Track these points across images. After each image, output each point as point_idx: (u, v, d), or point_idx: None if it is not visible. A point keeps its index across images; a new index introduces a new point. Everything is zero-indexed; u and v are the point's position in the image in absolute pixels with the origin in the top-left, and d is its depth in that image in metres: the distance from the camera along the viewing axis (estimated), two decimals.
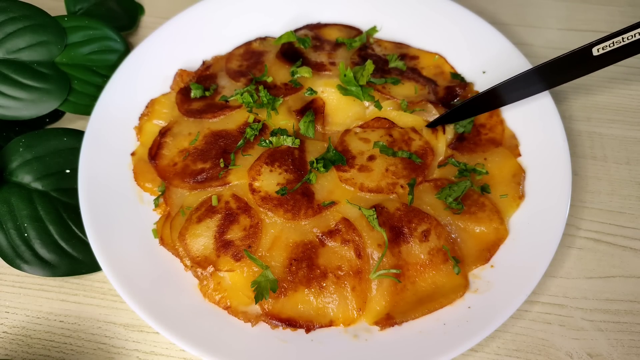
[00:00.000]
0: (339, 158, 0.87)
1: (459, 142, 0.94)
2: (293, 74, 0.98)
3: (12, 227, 0.87)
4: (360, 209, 0.82)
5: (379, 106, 0.94)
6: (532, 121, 0.93)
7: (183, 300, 0.80)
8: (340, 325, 0.77)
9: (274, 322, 0.77)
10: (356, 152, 0.90)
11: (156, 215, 0.90)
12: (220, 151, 0.90)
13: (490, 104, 0.93)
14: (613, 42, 0.78)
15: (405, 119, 0.93)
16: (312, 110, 0.93)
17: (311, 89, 0.96)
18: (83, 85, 1.04)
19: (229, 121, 0.94)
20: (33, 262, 0.86)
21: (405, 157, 0.88)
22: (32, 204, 0.89)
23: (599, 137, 1.03)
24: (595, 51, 0.80)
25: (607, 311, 0.84)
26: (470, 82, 1.03)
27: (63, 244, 0.88)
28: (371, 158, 0.89)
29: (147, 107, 1.01)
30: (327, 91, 0.96)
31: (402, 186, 0.85)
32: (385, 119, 0.93)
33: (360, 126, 0.93)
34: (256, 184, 0.85)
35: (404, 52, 1.08)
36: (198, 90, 1.00)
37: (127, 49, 1.12)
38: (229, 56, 1.08)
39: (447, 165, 0.90)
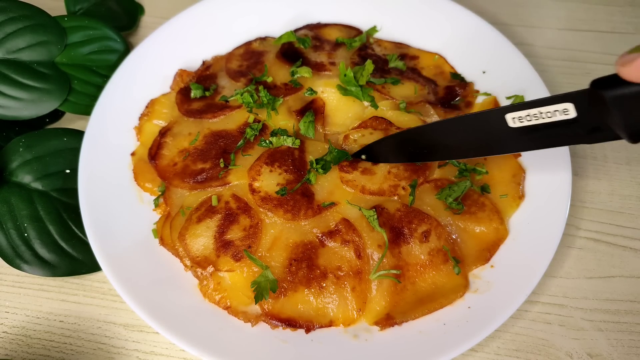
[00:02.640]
0: (342, 155, 0.87)
1: None
2: (293, 74, 0.98)
3: (12, 227, 0.87)
4: (360, 209, 0.82)
5: (375, 105, 0.94)
6: None
7: (183, 300, 0.80)
8: (340, 325, 0.77)
9: (274, 322, 0.77)
10: None
11: (156, 215, 0.90)
12: (220, 151, 0.90)
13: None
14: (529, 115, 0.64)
15: (402, 119, 0.93)
16: (312, 110, 0.93)
17: (311, 89, 0.96)
18: (83, 85, 1.04)
19: (229, 121, 0.94)
20: (33, 262, 0.86)
21: None
22: (32, 204, 0.89)
23: None
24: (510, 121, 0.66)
25: (607, 311, 0.84)
26: (471, 82, 1.03)
27: (63, 244, 0.88)
28: None
29: (147, 107, 1.01)
30: (327, 91, 0.96)
31: (403, 188, 0.85)
32: (382, 118, 0.93)
33: (358, 125, 0.93)
34: (256, 184, 0.85)
35: (404, 52, 1.08)
36: (198, 90, 1.00)
37: (127, 49, 1.12)
38: (229, 56, 1.08)
39: (447, 165, 0.90)
